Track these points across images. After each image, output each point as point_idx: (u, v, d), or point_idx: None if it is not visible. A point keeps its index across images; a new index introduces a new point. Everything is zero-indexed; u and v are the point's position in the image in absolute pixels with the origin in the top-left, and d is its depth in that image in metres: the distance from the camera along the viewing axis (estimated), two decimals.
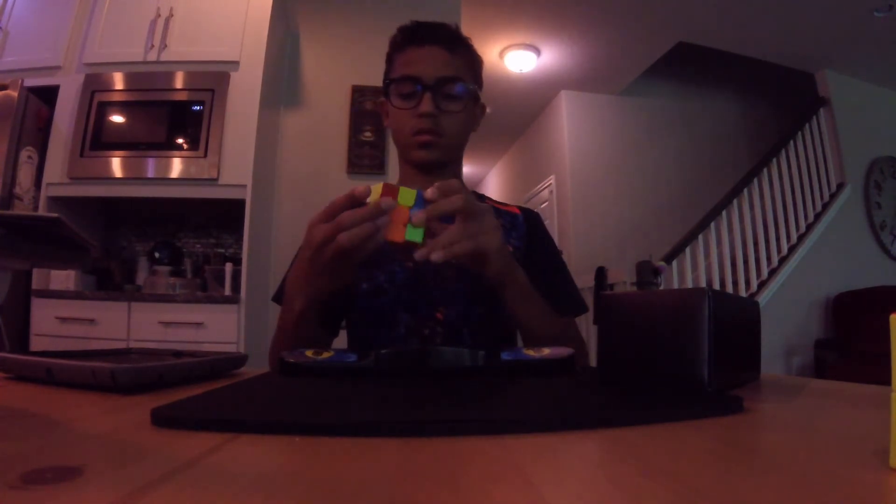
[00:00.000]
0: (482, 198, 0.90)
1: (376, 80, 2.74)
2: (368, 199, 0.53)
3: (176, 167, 2.07)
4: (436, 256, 0.52)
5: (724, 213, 3.56)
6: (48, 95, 2.13)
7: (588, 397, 0.38)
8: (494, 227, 0.58)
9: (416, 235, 0.52)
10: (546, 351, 0.51)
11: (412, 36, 0.79)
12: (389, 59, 0.83)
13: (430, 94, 0.75)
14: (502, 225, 0.83)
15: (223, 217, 2.44)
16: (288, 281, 0.66)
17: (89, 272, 2.16)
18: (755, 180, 3.71)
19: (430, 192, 0.53)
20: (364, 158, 2.61)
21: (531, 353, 0.51)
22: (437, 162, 0.79)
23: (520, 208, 0.89)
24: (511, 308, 0.66)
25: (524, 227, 0.85)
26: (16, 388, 0.42)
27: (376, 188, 0.53)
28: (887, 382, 0.21)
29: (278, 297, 0.83)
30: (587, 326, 3.15)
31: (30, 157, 2.06)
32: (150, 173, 2.07)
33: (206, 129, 2.09)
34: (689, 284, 3.31)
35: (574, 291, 0.84)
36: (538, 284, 0.68)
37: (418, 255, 0.52)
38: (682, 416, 0.31)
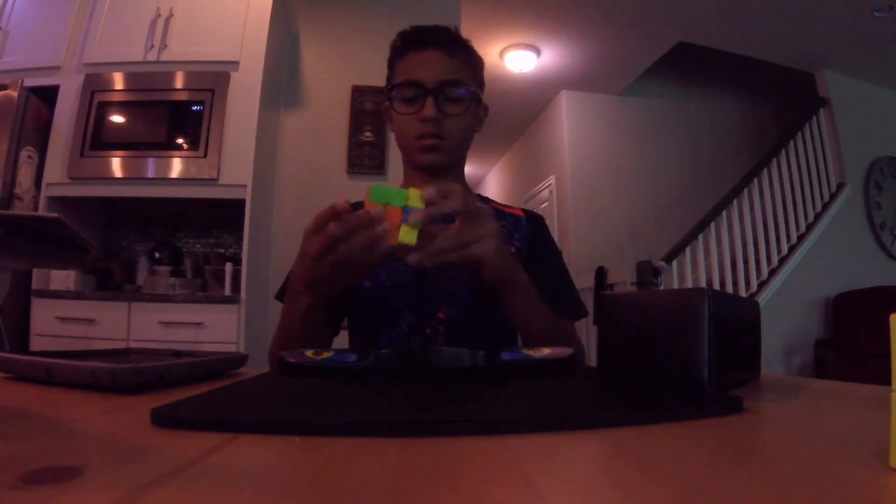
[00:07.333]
0: (485, 201, 0.90)
1: (376, 80, 2.74)
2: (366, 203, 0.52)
3: (176, 167, 2.07)
4: (429, 262, 0.52)
5: (724, 213, 3.56)
6: (48, 95, 2.13)
7: (588, 397, 0.38)
8: (493, 230, 0.57)
9: (409, 237, 0.50)
10: (546, 351, 0.51)
11: (412, 41, 0.80)
12: (391, 65, 0.83)
13: (432, 99, 0.75)
14: (504, 227, 0.84)
15: (223, 217, 2.44)
16: (291, 279, 0.66)
17: (89, 272, 2.16)
18: (755, 180, 3.71)
19: (428, 191, 0.53)
20: (364, 158, 2.61)
21: (531, 353, 0.51)
22: (441, 165, 0.79)
23: (523, 211, 0.89)
24: (511, 310, 0.66)
25: (527, 229, 0.85)
26: (16, 388, 0.42)
27: (373, 190, 0.52)
28: (887, 382, 0.21)
29: (282, 295, 0.83)
30: (587, 326, 3.15)
31: (30, 157, 2.06)
32: (150, 173, 2.07)
33: (206, 129, 2.08)
34: (689, 284, 3.30)
35: (575, 296, 0.84)
36: (539, 287, 0.68)
37: (411, 260, 0.52)
38: (682, 416, 0.31)
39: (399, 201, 0.51)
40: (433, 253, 0.52)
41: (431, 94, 0.75)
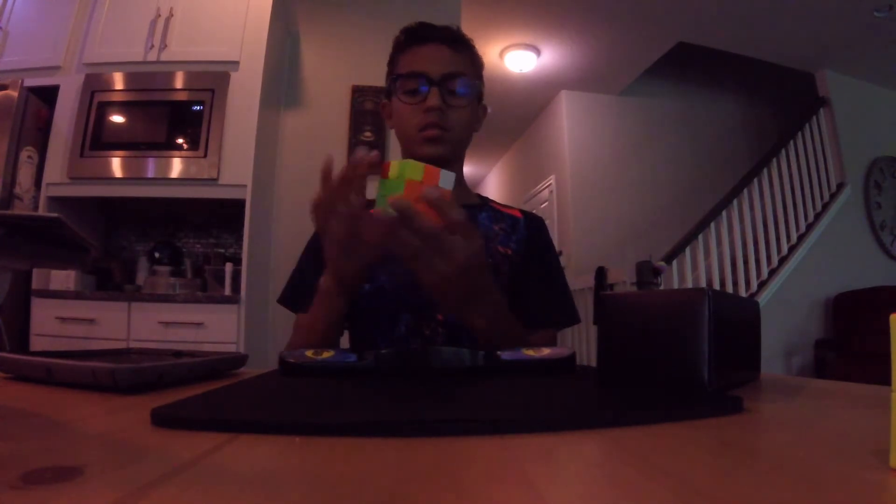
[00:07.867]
0: (484, 200, 0.90)
1: (376, 80, 2.74)
2: (390, 175, 0.56)
3: (176, 167, 2.07)
4: (398, 211, 0.53)
5: (724, 213, 3.56)
6: (48, 95, 2.13)
7: (588, 397, 0.38)
8: (460, 258, 0.55)
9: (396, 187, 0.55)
10: (546, 351, 0.51)
11: (416, 35, 0.80)
12: (393, 60, 0.83)
13: (436, 89, 0.75)
14: (503, 229, 0.84)
15: (223, 217, 2.44)
16: (322, 285, 0.66)
17: (89, 272, 2.16)
18: (755, 180, 3.70)
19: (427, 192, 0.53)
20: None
21: (531, 353, 0.51)
22: (443, 157, 0.79)
23: (522, 212, 0.88)
24: (473, 332, 0.64)
25: (525, 231, 0.85)
26: (16, 388, 0.42)
27: (403, 164, 0.55)
28: (887, 382, 0.21)
29: (285, 300, 0.83)
30: (587, 326, 3.15)
31: (30, 157, 2.06)
32: (150, 173, 2.07)
33: (206, 129, 2.08)
34: (689, 284, 3.30)
35: (568, 302, 0.84)
36: (531, 291, 0.67)
37: (391, 203, 0.53)
38: (682, 416, 0.31)
39: (416, 175, 0.54)
40: (409, 216, 0.53)
41: (436, 85, 0.76)
